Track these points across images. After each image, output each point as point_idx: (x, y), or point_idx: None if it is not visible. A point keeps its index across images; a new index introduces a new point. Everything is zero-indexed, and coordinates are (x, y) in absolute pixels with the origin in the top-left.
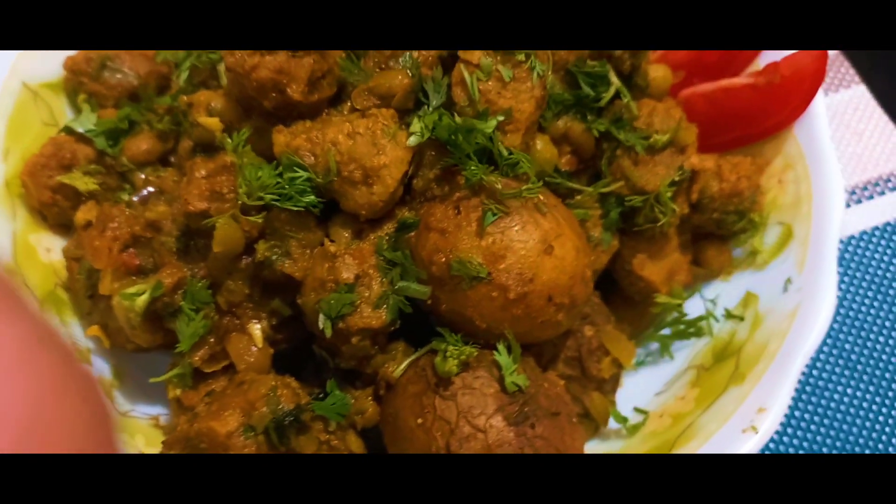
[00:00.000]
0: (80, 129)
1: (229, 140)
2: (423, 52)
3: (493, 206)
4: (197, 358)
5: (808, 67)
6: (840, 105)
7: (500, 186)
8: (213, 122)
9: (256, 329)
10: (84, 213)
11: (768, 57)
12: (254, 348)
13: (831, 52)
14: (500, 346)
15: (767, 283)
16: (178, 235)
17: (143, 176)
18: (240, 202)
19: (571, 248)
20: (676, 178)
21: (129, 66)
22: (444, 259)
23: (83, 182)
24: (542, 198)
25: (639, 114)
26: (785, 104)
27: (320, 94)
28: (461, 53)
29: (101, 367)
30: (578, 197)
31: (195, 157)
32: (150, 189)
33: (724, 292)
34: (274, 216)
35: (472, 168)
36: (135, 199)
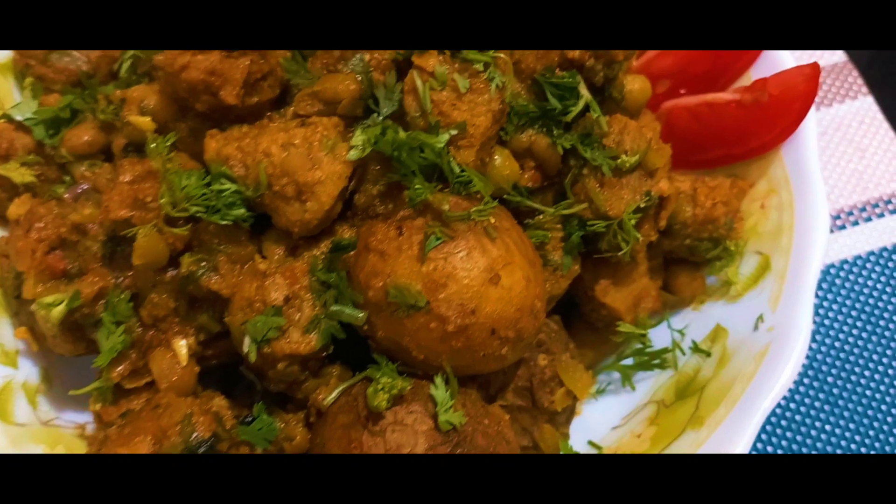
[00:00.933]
0: (19, 117)
1: (153, 145)
2: (377, 55)
3: (437, 230)
4: (116, 374)
5: (798, 87)
6: (844, 117)
7: (447, 207)
8: (145, 122)
9: (182, 345)
10: (17, 208)
11: (760, 71)
12: (178, 366)
13: (838, 59)
14: (438, 380)
15: (739, 317)
16: (104, 240)
17: (83, 169)
18: (164, 212)
19: (521, 278)
20: (642, 205)
21: (80, 50)
22: (381, 283)
23: (19, 173)
24: (493, 220)
25: (609, 130)
26: (772, 125)
27: (260, 96)
28: (415, 59)
29: (30, 371)
30: (539, 217)
31: (125, 158)
32: (85, 186)
33: (693, 322)
34: (202, 228)
35: (417, 187)
36: (67, 195)
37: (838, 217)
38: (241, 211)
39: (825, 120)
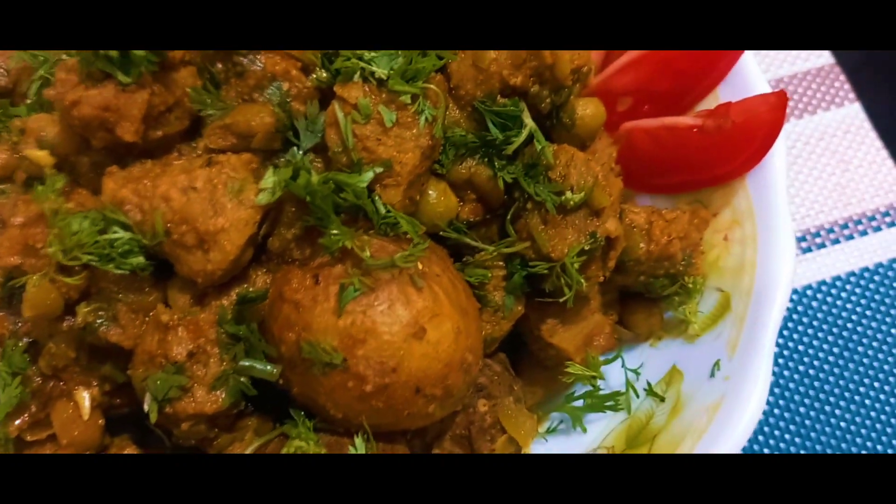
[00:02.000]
0: None
1: (40, 187)
2: (296, 83)
3: (356, 280)
4: (14, 427)
5: (763, 116)
6: (829, 126)
7: (368, 254)
8: (41, 157)
9: (84, 397)
10: None
11: (729, 90)
12: (80, 419)
13: (825, 62)
14: (358, 440)
15: (695, 360)
16: (1, 282)
17: None
18: (55, 260)
19: (449, 331)
20: (586, 247)
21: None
22: (295, 337)
23: None
24: (421, 266)
25: (555, 162)
26: (736, 153)
27: (166, 129)
28: (337, 89)
29: None
30: (479, 255)
31: (20, 196)
32: None
33: (649, 361)
34: (99, 275)
35: (334, 233)
36: None
37: (818, 234)
38: (139, 259)
39: (808, 129)
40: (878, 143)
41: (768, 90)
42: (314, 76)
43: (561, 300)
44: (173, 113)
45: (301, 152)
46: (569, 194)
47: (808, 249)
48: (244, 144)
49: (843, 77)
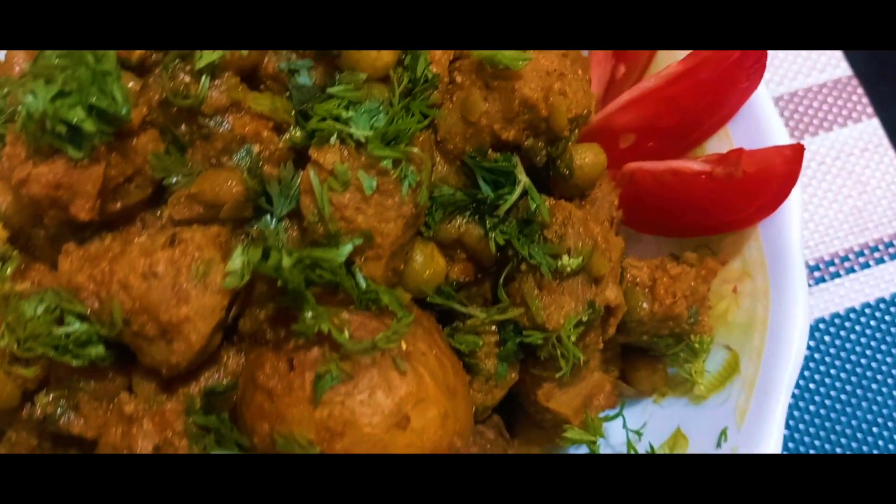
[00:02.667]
0: None
1: None
2: (268, 145)
3: (333, 366)
4: None
5: (776, 168)
6: (846, 144)
7: (346, 336)
8: None
9: None
10: None
11: (739, 129)
12: None
13: (842, 73)
14: None
15: (701, 425)
16: None
17: None
18: (8, 351)
19: (435, 416)
20: (584, 318)
21: None
22: (268, 428)
23: None
24: (405, 346)
25: (552, 220)
26: (746, 203)
27: (126, 200)
28: (312, 153)
29: None
30: (470, 321)
31: None
32: None
33: (652, 419)
34: (57, 363)
35: (308, 316)
36: None
37: (832, 263)
38: (99, 349)
39: (823, 147)
40: None
41: (781, 127)
42: (287, 136)
43: (557, 375)
44: (133, 182)
45: (274, 220)
46: (566, 259)
47: (822, 280)
48: (212, 214)
49: (861, 90)
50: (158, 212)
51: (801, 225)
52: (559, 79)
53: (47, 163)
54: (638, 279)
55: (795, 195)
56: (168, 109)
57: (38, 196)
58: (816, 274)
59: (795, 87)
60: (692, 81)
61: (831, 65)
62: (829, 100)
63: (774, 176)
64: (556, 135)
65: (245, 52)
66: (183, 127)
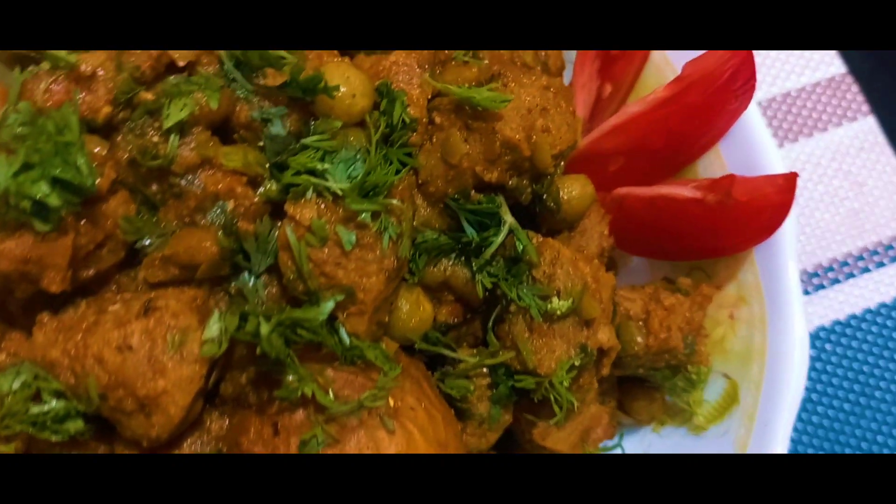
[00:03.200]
0: None
1: None
2: (244, 201)
3: (318, 431)
4: None
5: (770, 198)
6: (841, 144)
7: (331, 397)
8: None
9: None
10: None
11: (731, 149)
12: None
13: (836, 71)
14: None
15: None
16: None
17: None
18: None
19: None
20: (577, 363)
21: None
22: None
23: None
24: (392, 402)
25: (539, 260)
26: (739, 231)
27: (99, 266)
28: (288, 208)
29: None
30: (460, 365)
31: None
32: None
33: (651, 450)
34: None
35: (290, 380)
36: None
37: (830, 269)
38: (78, 424)
39: (819, 148)
40: (895, 161)
41: (773, 146)
42: (262, 190)
43: (551, 422)
44: (105, 247)
45: (253, 278)
46: (555, 301)
47: (821, 286)
48: (188, 275)
49: (855, 87)
50: (133, 273)
51: (796, 250)
52: (542, 115)
53: (14, 237)
54: (631, 312)
55: (789, 224)
56: (137, 169)
57: (6, 272)
58: (816, 280)
59: (788, 87)
60: (680, 105)
61: (825, 62)
62: (824, 99)
63: (767, 205)
64: (540, 172)
65: (214, 106)
66: (154, 186)
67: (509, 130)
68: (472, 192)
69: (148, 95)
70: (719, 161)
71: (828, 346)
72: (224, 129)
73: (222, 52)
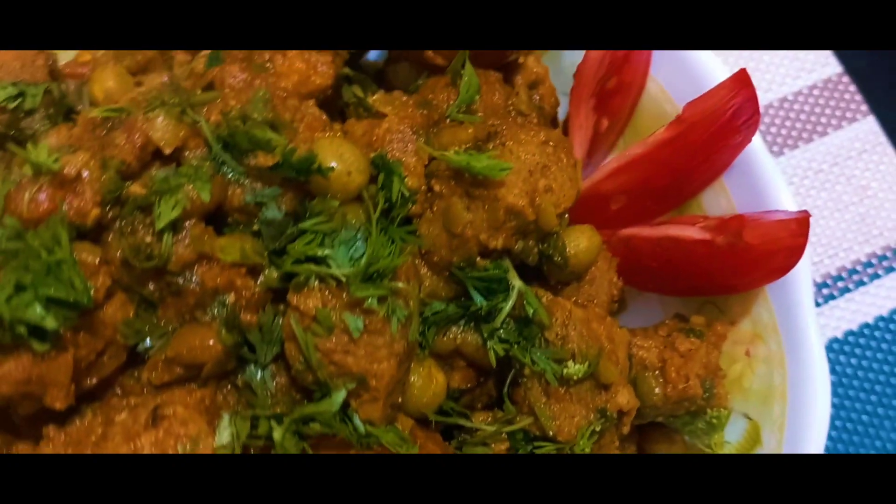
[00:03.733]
0: None
1: None
2: (244, 293)
3: None
4: None
5: (782, 242)
6: (842, 147)
7: None
8: None
9: None
10: None
11: (735, 175)
12: None
13: (832, 72)
14: None
15: None
16: None
17: None
18: None
19: None
20: (597, 428)
21: None
22: None
23: None
24: None
25: (551, 321)
26: (750, 272)
27: (101, 373)
28: (291, 298)
29: None
30: (478, 433)
31: None
32: None
33: None
34: None
35: None
36: None
37: (840, 278)
38: None
39: (819, 154)
40: None
41: (779, 177)
42: (262, 279)
43: None
44: (106, 354)
45: (260, 370)
46: (571, 365)
47: (831, 297)
48: (193, 373)
49: (853, 87)
50: (136, 373)
51: (811, 288)
52: (543, 174)
53: (12, 359)
54: (647, 361)
55: (804, 263)
56: (132, 269)
57: (8, 394)
58: (825, 291)
59: (784, 91)
60: (682, 144)
61: (820, 63)
62: (821, 101)
63: (780, 249)
64: (545, 230)
65: (206, 199)
66: (150, 286)
67: (512, 197)
68: (478, 258)
69: (136, 189)
70: (724, 194)
71: (842, 358)
72: (217, 214)
73: (209, 134)
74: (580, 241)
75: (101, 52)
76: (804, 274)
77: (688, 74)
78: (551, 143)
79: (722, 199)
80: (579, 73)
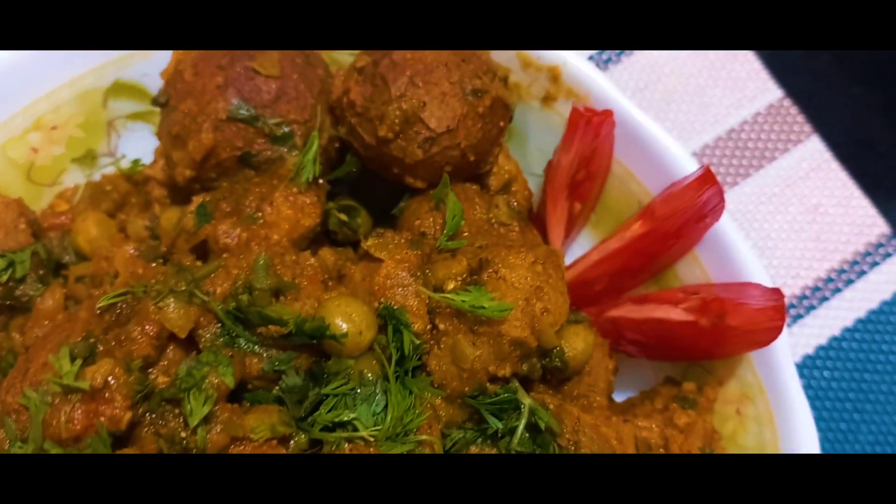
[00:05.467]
0: None
1: None
2: None
3: None
4: None
5: (762, 325)
6: (790, 169)
7: None
8: None
9: None
10: None
11: (707, 248)
12: None
13: (772, 98)
14: None
15: None
16: None
17: None
18: None
19: None
20: None
21: None
22: None
23: None
24: None
25: (561, 430)
26: (734, 347)
27: None
28: None
29: None
30: None
31: None
32: None
33: None
34: None
35: None
36: None
37: (804, 297)
38: None
39: (770, 178)
40: (844, 175)
41: (747, 249)
42: (293, 444)
43: None
44: None
45: None
46: None
47: (799, 316)
48: None
49: (794, 109)
50: None
51: (791, 355)
52: (539, 297)
53: None
54: (651, 441)
55: (783, 339)
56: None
57: None
58: (793, 311)
59: (731, 123)
60: (656, 235)
61: (759, 90)
62: (766, 127)
63: (760, 329)
64: (545, 346)
65: (231, 384)
66: None
67: (515, 331)
68: (488, 385)
69: (161, 381)
70: (698, 264)
71: (815, 373)
72: (237, 390)
73: (220, 314)
74: (577, 345)
75: (76, 199)
76: (783, 342)
77: (650, 156)
78: (540, 263)
79: (696, 268)
80: (552, 174)
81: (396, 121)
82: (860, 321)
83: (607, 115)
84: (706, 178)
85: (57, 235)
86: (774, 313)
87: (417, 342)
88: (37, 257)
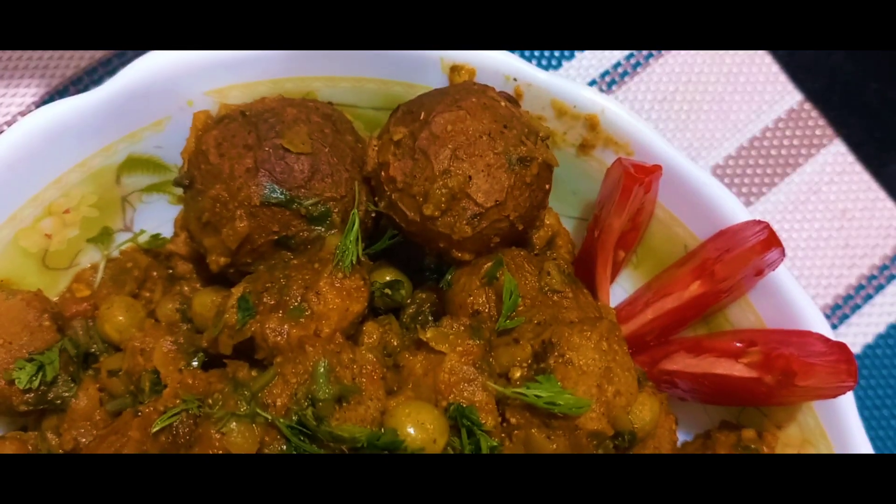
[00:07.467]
0: None
1: None
2: None
3: None
4: None
5: (832, 382)
6: (815, 174)
7: None
8: None
9: None
10: None
11: (760, 293)
12: None
13: (792, 104)
14: None
15: None
16: None
17: None
18: None
19: None
20: None
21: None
22: None
23: None
24: None
25: None
26: (798, 400)
27: None
28: None
29: None
30: None
31: None
32: None
33: None
34: None
35: None
36: None
37: (837, 307)
38: None
39: (796, 186)
40: (867, 177)
41: (803, 295)
42: None
43: None
44: None
45: None
46: None
47: (834, 326)
48: None
49: (815, 112)
50: None
51: (854, 406)
52: (609, 380)
53: None
54: None
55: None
56: None
57: None
58: (829, 321)
59: (752, 131)
60: (714, 293)
61: (779, 93)
62: (788, 133)
63: (828, 389)
64: (623, 434)
65: None
66: None
67: (592, 423)
68: None
69: None
70: (751, 310)
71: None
72: None
73: (286, 432)
74: (644, 415)
75: (97, 282)
76: (848, 405)
77: (694, 200)
78: (605, 340)
79: (749, 314)
80: (604, 237)
81: (443, 199)
82: (893, 326)
83: (657, 171)
84: (770, 242)
85: (81, 324)
86: (847, 376)
87: (494, 443)
88: (65, 354)
